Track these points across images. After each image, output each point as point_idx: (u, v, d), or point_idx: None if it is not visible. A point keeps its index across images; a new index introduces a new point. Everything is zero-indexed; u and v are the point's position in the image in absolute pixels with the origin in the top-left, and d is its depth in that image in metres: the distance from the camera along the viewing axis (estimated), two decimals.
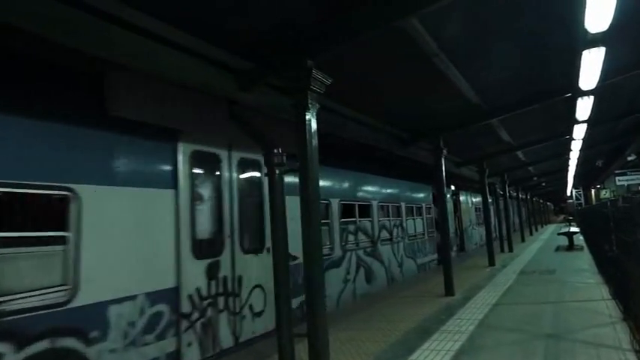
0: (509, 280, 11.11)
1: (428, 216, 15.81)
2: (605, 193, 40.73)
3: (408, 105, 8.56)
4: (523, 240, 24.67)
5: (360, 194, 11.03)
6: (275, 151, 5.49)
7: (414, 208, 14.57)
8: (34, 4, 3.57)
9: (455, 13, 5.20)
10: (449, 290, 9.54)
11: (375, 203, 11.56)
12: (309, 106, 4.85)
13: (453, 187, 19.62)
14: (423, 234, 15.22)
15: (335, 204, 9.53)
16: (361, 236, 10.79)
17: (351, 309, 8.85)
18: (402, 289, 11.00)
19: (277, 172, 5.47)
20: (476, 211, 23.54)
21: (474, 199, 23.33)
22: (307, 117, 4.83)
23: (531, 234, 31.04)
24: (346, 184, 10.37)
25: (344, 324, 7.41)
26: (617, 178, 37.36)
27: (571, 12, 5.30)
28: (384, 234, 12.10)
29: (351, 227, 10.31)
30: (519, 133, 12.76)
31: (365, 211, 11.23)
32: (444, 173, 10.15)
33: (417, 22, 5.14)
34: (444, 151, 10.12)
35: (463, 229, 20.82)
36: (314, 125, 4.90)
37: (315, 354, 4.67)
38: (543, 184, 34.56)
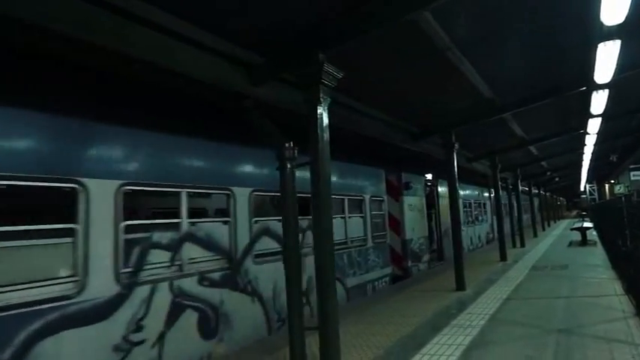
0: (521, 275, 11.05)
1: (377, 213, 11.26)
2: (619, 188, 40.29)
3: (420, 99, 8.52)
4: (535, 235, 24.49)
5: (211, 178, 6.44)
6: (287, 145, 5.50)
7: (347, 202, 9.73)
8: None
9: (468, 5, 5.17)
10: (460, 285, 9.53)
11: (243, 193, 6.77)
12: (321, 100, 4.86)
13: (429, 176, 15.32)
14: (364, 240, 10.28)
15: (107, 194, 5.01)
16: (196, 252, 6.02)
17: (362, 303, 8.87)
18: (413, 283, 11.00)
19: (289, 166, 5.49)
20: (466, 206, 19.02)
21: (462, 192, 18.44)
22: (319, 111, 4.84)
23: (544, 229, 30.80)
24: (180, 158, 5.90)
25: (354, 317, 7.45)
26: (631, 173, 37.00)
27: (586, 4, 5.24)
28: (266, 244, 7.19)
29: (163, 237, 5.66)
30: (533, 127, 12.64)
31: (216, 206, 7.46)
32: (455, 168, 10.10)
33: (430, 15, 5.12)
34: (456, 146, 10.07)
35: (443, 231, 15.82)
36: (326, 119, 4.91)
37: (325, 347, 4.71)
38: (557, 179, 34.24)
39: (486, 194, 23.43)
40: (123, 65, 4.59)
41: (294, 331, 5.21)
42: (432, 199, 15.79)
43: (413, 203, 13.15)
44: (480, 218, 22.12)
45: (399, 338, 6.14)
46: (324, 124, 4.89)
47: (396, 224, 12.49)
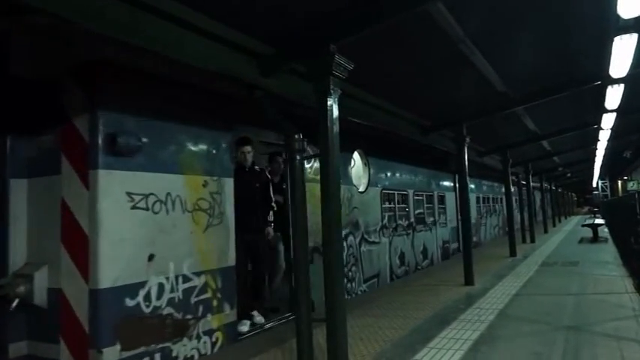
0: (531, 270, 10.98)
1: None
2: (632, 185, 39.83)
3: (431, 92, 8.43)
4: (546, 231, 24.28)
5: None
6: (296, 136, 5.47)
7: None
8: None
9: None
10: (468, 279, 9.49)
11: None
12: (331, 91, 4.82)
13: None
14: None
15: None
16: None
17: (370, 296, 8.87)
18: (422, 277, 10.97)
19: (298, 158, 5.46)
20: (391, 201, 11.48)
21: (385, 175, 11.23)
22: (329, 103, 4.80)
23: (554, 225, 30.55)
24: None
25: (362, 310, 7.45)
26: None
27: None
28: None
29: None
30: (546, 122, 12.48)
31: None
32: (466, 162, 10.03)
33: (443, 6, 5.04)
34: (467, 140, 9.99)
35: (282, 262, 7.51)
36: (335, 111, 4.87)
37: (332, 339, 4.71)
38: (568, 174, 33.88)
39: (447, 183, 15.98)
40: (135, 58, 4.57)
41: (302, 322, 5.22)
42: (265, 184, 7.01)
43: (161, 190, 5.13)
44: (432, 220, 14.27)
45: (407, 332, 6.13)
46: (334, 116, 4.86)
47: (79, 244, 4.60)
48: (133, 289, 4.71)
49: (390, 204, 11.32)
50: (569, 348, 5.19)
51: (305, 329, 5.18)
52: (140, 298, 4.78)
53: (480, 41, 6.16)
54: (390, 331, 6.20)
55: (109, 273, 4.50)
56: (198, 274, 5.47)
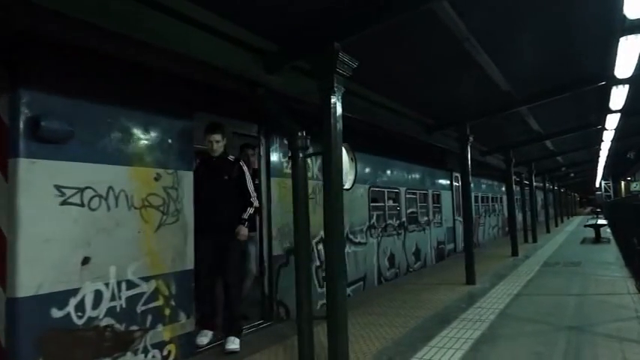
0: (532, 270, 10.96)
1: None
2: (635, 186, 39.76)
3: (434, 91, 8.41)
4: (548, 231, 24.23)
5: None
6: (299, 134, 5.46)
7: None
8: None
9: None
10: (470, 279, 9.47)
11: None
12: (335, 89, 4.82)
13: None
14: None
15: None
16: None
17: (371, 295, 8.86)
18: (423, 276, 10.97)
19: (301, 155, 5.45)
20: (383, 202, 10.88)
21: (372, 170, 10.33)
22: (332, 100, 4.80)
23: (557, 225, 30.48)
24: None
25: (363, 308, 7.45)
26: None
27: None
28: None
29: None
30: (550, 122, 12.44)
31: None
32: (469, 161, 10.01)
33: (447, 3, 5.02)
34: (470, 139, 9.97)
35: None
36: (339, 109, 4.87)
37: (333, 337, 4.71)
38: (572, 174, 33.80)
39: (443, 181, 15.22)
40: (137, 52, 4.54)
41: (303, 319, 5.22)
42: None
43: (100, 183, 4.43)
44: (426, 220, 13.40)
45: (408, 330, 6.13)
46: (338, 114, 4.86)
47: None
48: (61, 298, 4.01)
49: (379, 202, 10.54)
50: (571, 348, 5.19)
51: (306, 326, 5.19)
52: (71, 307, 4.08)
53: (484, 39, 6.13)
54: (390, 329, 6.20)
55: (31, 279, 3.83)
56: (146, 279, 4.76)
